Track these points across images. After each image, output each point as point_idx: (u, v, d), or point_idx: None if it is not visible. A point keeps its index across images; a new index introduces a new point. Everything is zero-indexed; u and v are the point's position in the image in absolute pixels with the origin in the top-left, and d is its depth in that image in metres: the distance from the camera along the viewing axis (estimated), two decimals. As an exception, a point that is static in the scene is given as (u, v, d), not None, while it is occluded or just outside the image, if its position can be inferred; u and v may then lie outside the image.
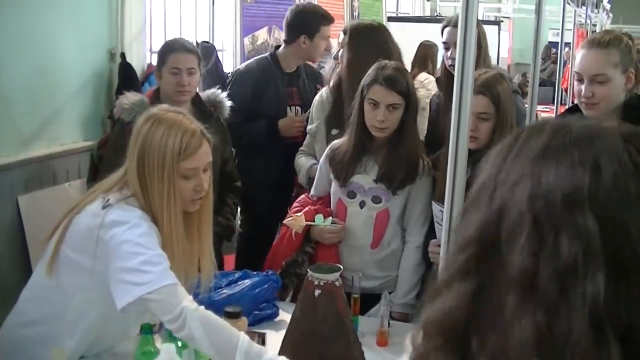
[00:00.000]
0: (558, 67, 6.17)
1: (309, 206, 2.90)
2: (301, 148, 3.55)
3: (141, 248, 1.96)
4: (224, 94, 3.50)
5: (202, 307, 1.95)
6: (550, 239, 0.69)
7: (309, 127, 3.50)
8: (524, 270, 0.70)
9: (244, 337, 1.91)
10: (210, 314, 1.95)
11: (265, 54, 4.02)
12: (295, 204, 3.02)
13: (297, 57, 3.89)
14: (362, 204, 2.86)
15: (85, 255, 2.05)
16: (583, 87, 2.57)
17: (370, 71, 2.82)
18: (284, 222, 2.83)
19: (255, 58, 4.05)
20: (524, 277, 0.70)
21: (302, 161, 3.50)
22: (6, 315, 2.30)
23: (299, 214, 2.80)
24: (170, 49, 3.31)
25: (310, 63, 4.06)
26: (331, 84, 3.48)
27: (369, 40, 3.33)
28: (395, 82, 2.75)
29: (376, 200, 2.85)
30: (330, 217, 2.84)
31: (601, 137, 0.74)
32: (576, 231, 0.69)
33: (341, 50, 3.39)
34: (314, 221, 2.81)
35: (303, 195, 3.10)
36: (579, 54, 2.60)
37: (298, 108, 3.83)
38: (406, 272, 2.86)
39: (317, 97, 3.52)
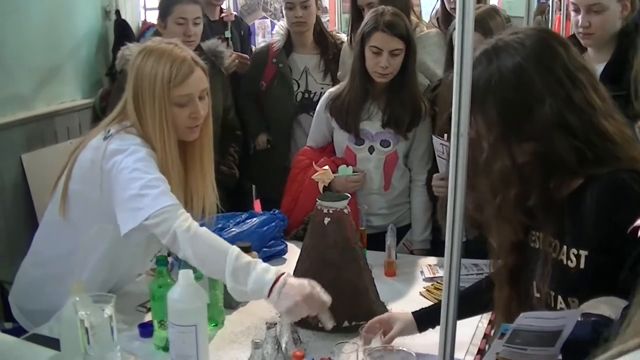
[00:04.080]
0: (550, 16, 6.15)
1: (324, 158, 2.93)
2: None
3: (139, 173, 1.98)
4: (224, 44, 3.49)
5: (196, 224, 1.94)
6: None
7: (338, 73, 3.45)
8: None
9: (232, 252, 1.88)
10: (202, 232, 1.92)
11: None
12: (301, 158, 3.02)
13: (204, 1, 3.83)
14: (371, 149, 2.90)
15: (91, 188, 2.08)
16: (580, 17, 2.59)
17: (369, 18, 2.81)
18: (312, 177, 2.82)
19: None
20: None
21: None
22: (15, 267, 2.35)
23: (325, 167, 2.81)
24: None
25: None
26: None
27: None
28: (396, 27, 2.75)
29: (385, 144, 2.89)
30: (351, 167, 2.87)
31: None
32: None
33: None
34: (338, 172, 2.84)
35: (305, 148, 3.10)
36: None
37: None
38: (419, 211, 2.95)
39: (345, 43, 3.46)
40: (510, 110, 1.47)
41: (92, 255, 2.18)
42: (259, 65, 3.57)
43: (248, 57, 3.77)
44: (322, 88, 3.42)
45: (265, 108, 3.58)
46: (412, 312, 2.00)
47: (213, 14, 3.87)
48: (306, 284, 1.86)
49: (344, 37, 3.63)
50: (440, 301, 2.13)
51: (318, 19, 3.56)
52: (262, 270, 1.86)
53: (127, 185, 1.97)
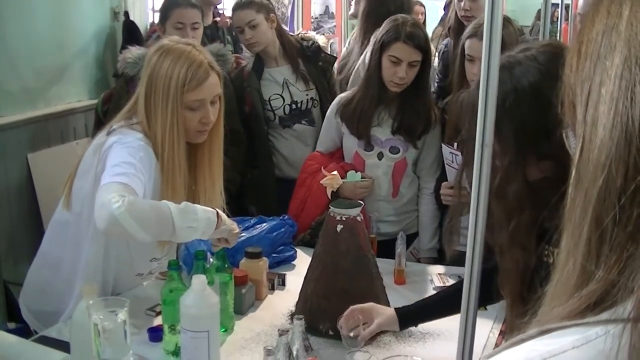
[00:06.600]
0: (559, 26, 6.18)
1: (333, 163, 2.92)
2: None
3: (118, 158, 1.93)
4: (227, 48, 3.48)
5: (128, 198, 1.79)
6: None
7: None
8: None
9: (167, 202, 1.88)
10: (135, 202, 1.81)
11: None
12: (310, 163, 3.01)
13: (201, 2, 3.75)
14: (380, 156, 2.89)
15: (89, 178, 2.06)
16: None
17: (389, 27, 2.78)
18: (320, 182, 2.79)
19: None
20: None
21: None
22: (20, 267, 2.33)
23: (334, 172, 2.78)
24: (174, 3, 3.27)
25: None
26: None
27: None
28: (417, 38, 2.74)
29: (394, 150, 2.88)
30: (359, 173, 2.86)
31: None
32: None
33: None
34: (347, 178, 2.83)
35: (315, 153, 3.10)
36: None
37: None
38: (427, 219, 2.95)
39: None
40: (527, 132, 1.41)
41: (93, 253, 2.15)
42: (239, 91, 3.44)
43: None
44: (307, 95, 3.40)
45: (253, 130, 3.48)
46: (395, 309, 2.04)
47: (207, 18, 3.84)
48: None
49: (316, 36, 3.56)
50: (424, 299, 2.14)
51: (280, 32, 3.46)
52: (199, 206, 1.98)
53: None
